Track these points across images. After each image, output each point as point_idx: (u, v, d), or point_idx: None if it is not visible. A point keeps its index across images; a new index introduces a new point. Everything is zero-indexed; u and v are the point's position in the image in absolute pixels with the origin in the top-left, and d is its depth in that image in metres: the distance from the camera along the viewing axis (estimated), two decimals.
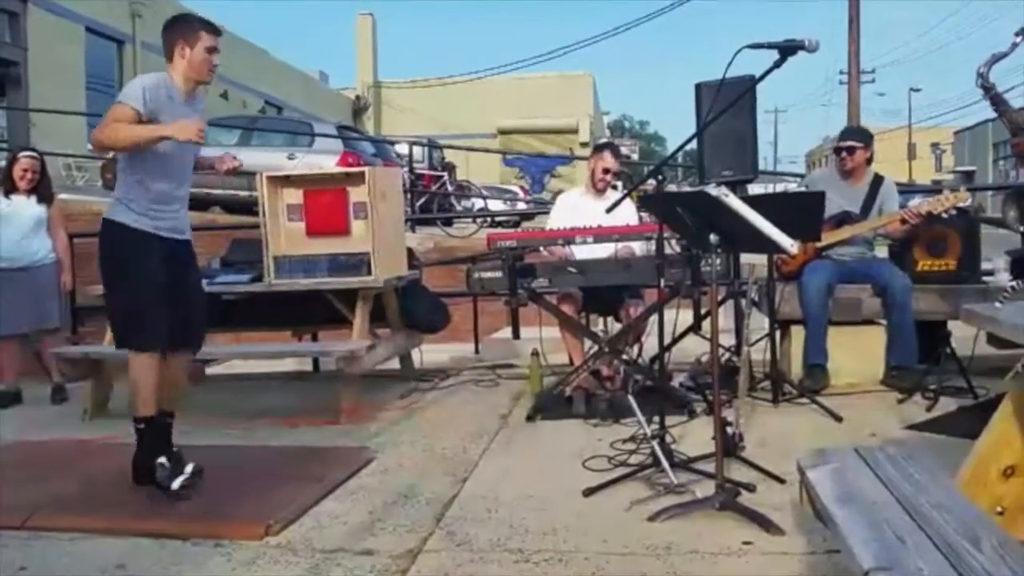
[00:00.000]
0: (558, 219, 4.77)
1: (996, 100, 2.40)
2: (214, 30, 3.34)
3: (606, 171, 4.79)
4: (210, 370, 6.06)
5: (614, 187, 5.02)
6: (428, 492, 3.22)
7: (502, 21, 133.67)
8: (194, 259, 3.51)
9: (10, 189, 5.28)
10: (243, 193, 10.35)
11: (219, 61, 3.36)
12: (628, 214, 4.54)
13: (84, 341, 5.87)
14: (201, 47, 3.28)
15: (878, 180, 4.73)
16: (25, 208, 5.28)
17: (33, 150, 5.59)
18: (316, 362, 6.03)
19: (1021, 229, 4.48)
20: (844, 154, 4.72)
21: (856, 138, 4.77)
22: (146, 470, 3.25)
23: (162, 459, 3.23)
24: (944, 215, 4.46)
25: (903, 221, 4.51)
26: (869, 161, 4.77)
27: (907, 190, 8.65)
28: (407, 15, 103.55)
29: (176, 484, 3.18)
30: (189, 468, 3.30)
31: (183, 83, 3.30)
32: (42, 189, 5.37)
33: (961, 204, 4.44)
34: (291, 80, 25.79)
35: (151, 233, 3.24)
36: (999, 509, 2.19)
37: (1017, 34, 2.50)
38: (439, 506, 3.07)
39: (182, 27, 3.31)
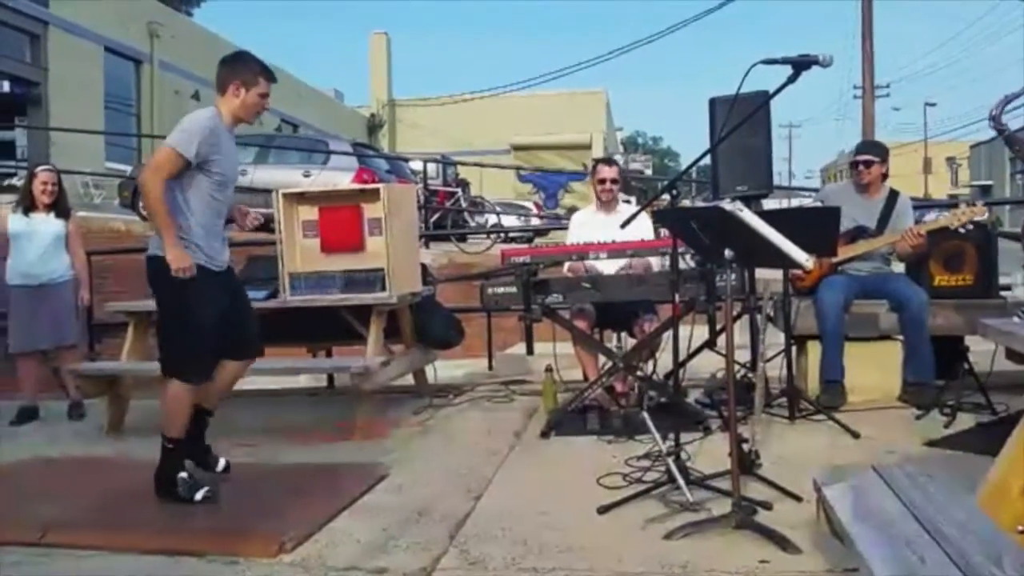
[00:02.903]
0: (574, 238, 4.79)
1: (1010, 141, 2.38)
2: (271, 77, 3.43)
3: (602, 181, 4.86)
4: None
5: (627, 202, 5.03)
6: (442, 509, 3.21)
7: (516, 39, 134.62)
8: (239, 281, 3.73)
9: (30, 206, 5.32)
10: (259, 210, 10.42)
11: (268, 105, 3.45)
12: (644, 229, 4.54)
13: (101, 358, 5.91)
14: (256, 92, 3.38)
15: (894, 195, 4.72)
16: (44, 225, 5.31)
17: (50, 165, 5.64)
18: (331, 378, 6.03)
19: None
20: (861, 167, 4.71)
21: (873, 152, 4.76)
22: (169, 484, 3.33)
23: (183, 474, 3.33)
24: (961, 230, 4.42)
25: (914, 246, 4.46)
26: (885, 176, 4.76)
27: (923, 205, 8.61)
28: (421, 34, 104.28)
29: (198, 496, 3.29)
30: (221, 464, 3.52)
31: (229, 119, 3.40)
32: (60, 204, 5.41)
33: (978, 218, 4.41)
34: (306, 98, 26.00)
35: (206, 268, 3.35)
36: (1021, 528, 2.15)
37: None
38: (453, 523, 3.06)
39: (242, 68, 3.39)
